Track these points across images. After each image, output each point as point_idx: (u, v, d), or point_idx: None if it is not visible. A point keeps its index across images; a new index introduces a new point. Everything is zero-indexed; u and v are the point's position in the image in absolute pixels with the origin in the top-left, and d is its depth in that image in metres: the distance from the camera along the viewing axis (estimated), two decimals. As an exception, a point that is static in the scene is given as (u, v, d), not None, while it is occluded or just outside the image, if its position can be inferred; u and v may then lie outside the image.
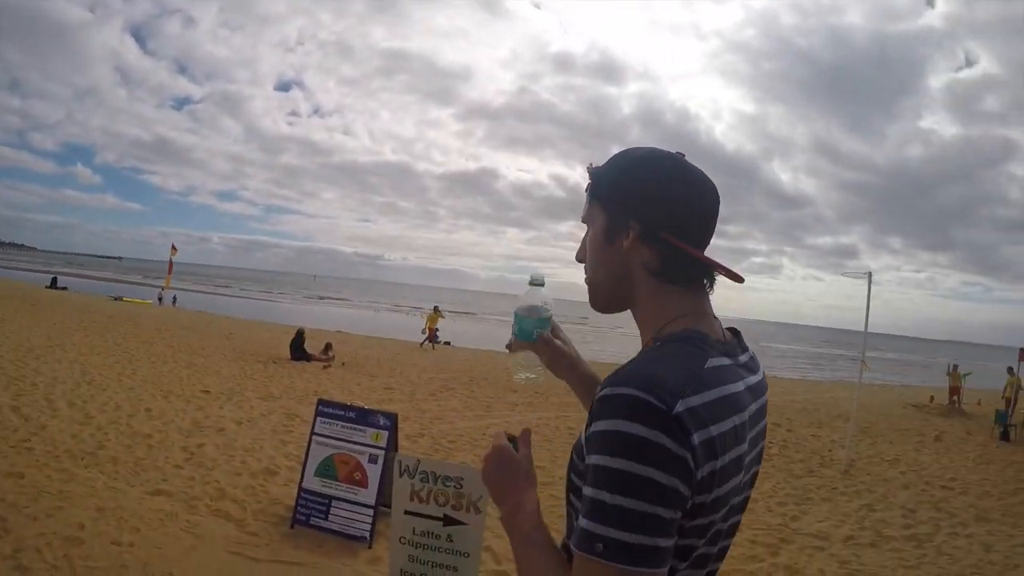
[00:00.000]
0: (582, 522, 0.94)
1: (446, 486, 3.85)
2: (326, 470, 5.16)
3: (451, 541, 3.85)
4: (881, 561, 6.14)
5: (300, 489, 5.18)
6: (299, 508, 5.14)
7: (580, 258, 1.24)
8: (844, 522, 7.14)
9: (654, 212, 1.11)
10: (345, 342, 18.34)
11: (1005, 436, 15.04)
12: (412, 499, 3.86)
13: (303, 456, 6.87)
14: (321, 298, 76.76)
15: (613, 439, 0.92)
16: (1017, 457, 12.78)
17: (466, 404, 12.47)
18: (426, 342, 24.96)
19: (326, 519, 5.07)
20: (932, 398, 20.89)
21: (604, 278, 1.19)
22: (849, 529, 6.93)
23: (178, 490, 5.52)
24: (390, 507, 5.24)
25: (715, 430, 0.96)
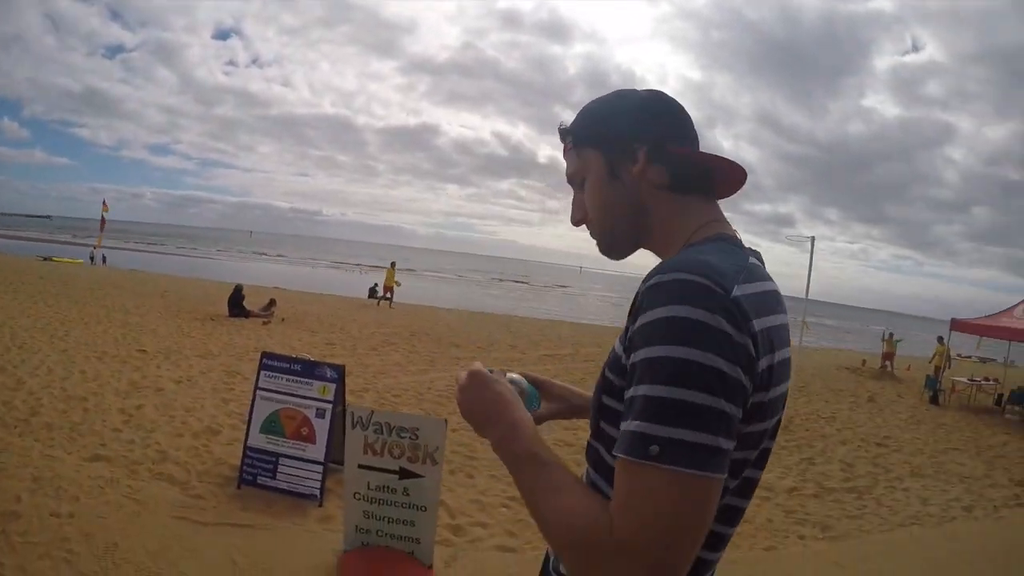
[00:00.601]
0: (629, 425, 0.85)
1: (401, 437, 3.73)
2: (272, 426, 4.94)
3: (407, 495, 3.76)
4: (825, 511, 6.43)
5: (245, 447, 4.98)
6: (245, 467, 4.95)
7: (579, 219, 1.19)
8: (787, 474, 7.45)
9: (654, 128, 1.10)
10: (284, 298, 18.05)
11: (934, 400, 16.40)
12: (366, 452, 3.74)
13: (246, 414, 6.76)
14: (258, 254, 75.80)
15: (669, 325, 0.85)
16: (946, 419, 13.85)
17: (408, 359, 12.52)
18: (383, 299, 24.45)
19: (274, 478, 4.89)
20: (864, 362, 22.12)
21: (620, 216, 1.13)
22: (792, 481, 7.24)
23: (117, 455, 5.28)
24: (341, 463, 5.16)
25: (768, 322, 0.92)
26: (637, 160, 1.09)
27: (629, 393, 0.88)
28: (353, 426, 3.72)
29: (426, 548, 3.80)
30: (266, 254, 78.07)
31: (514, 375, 1.32)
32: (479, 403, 1.11)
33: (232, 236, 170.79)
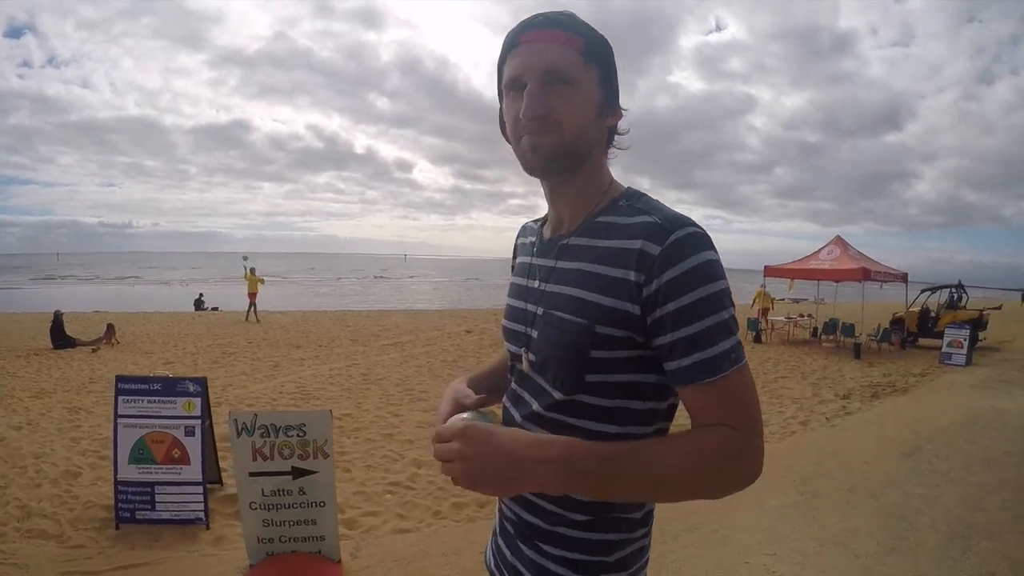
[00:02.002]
0: (707, 353, 1.02)
1: (288, 436, 3.67)
2: (140, 454, 4.61)
3: (304, 494, 3.71)
4: None
5: (116, 482, 4.60)
6: (120, 504, 4.58)
7: (544, 114, 1.13)
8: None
9: (618, 94, 1.23)
10: (107, 321, 16.78)
11: (757, 339, 18.65)
12: (255, 458, 3.65)
13: (102, 450, 6.33)
14: (69, 278, 69.74)
15: (708, 268, 1.04)
16: (770, 354, 15.63)
17: (253, 367, 12.19)
18: (251, 312, 21.69)
19: (153, 509, 4.58)
20: None
21: (583, 141, 1.16)
22: None
23: None
24: (216, 481, 4.96)
25: None
26: (616, 112, 1.21)
27: (686, 331, 1.03)
28: (239, 433, 3.60)
29: (331, 544, 3.76)
30: (77, 276, 72.36)
31: (464, 415, 1.17)
32: (496, 465, 1.02)
33: (37, 261, 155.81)
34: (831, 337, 18.61)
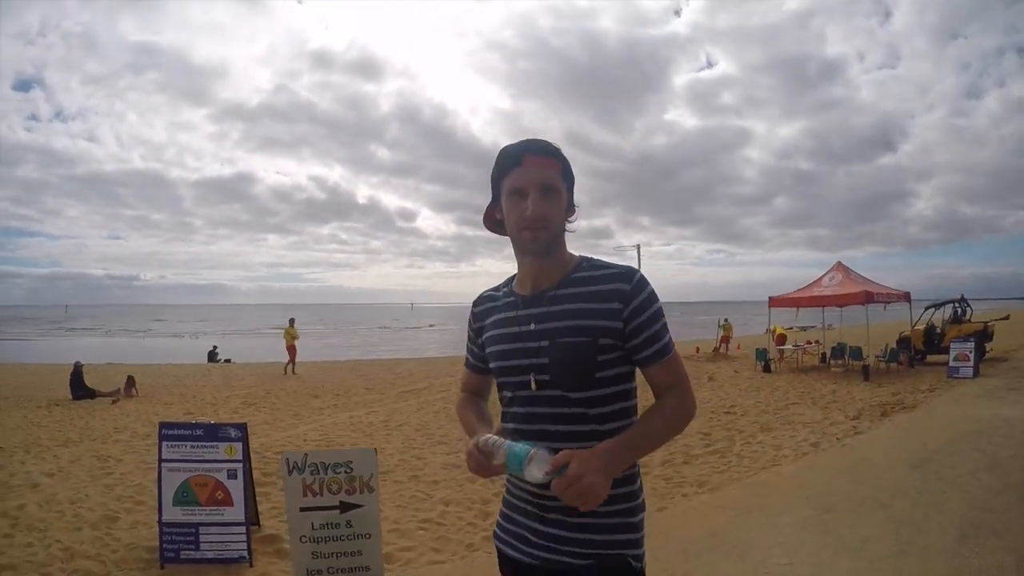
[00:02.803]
0: (663, 341, 1.69)
1: (337, 473, 3.95)
2: (185, 497, 4.86)
3: (351, 526, 3.98)
4: (697, 472, 7.38)
5: (161, 524, 4.84)
6: (165, 545, 4.81)
7: (542, 215, 1.66)
8: (655, 452, 8.32)
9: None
10: (123, 373, 17.04)
11: (767, 369, 18.55)
12: (305, 494, 3.93)
13: (138, 495, 6.57)
14: (78, 330, 70.19)
15: (653, 295, 1.69)
16: (780, 383, 15.77)
17: (274, 416, 12.44)
18: (289, 365, 21.24)
19: (197, 549, 4.80)
20: (698, 349, 24.46)
21: (558, 232, 1.72)
22: (661, 456, 8.02)
23: (21, 562, 4.95)
24: (256, 523, 5.19)
25: None
26: (573, 211, 1.77)
27: (649, 332, 1.67)
28: (290, 472, 3.87)
29: (376, 573, 4.00)
30: (84, 329, 72.85)
31: (491, 437, 1.64)
32: (603, 469, 1.51)
33: (46, 313, 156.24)
34: (840, 361, 18.79)
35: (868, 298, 17.93)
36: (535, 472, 1.49)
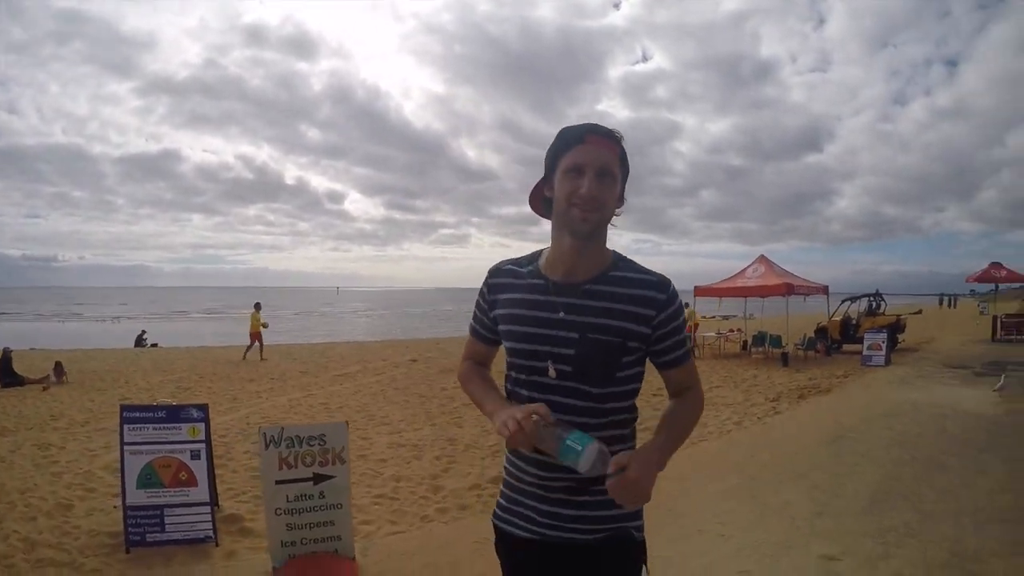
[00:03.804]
0: (685, 347, 1.80)
1: (311, 446, 4.22)
2: (148, 479, 4.91)
3: (323, 497, 4.26)
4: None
5: (125, 507, 4.86)
6: (130, 528, 4.82)
7: (596, 195, 1.65)
8: None
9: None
10: (49, 358, 16.60)
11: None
12: (281, 467, 4.19)
13: (88, 482, 6.61)
14: (-3, 314, 66.73)
15: (683, 306, 1.79)
16: (703, 368, 16.08)
17: (212, 400, 12.17)
18: (249, 349, 20.70)
19: (163, 531, 4.85)
20: None
21: (607, 220, 1.72)
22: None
23: None
24: (217, 504, 5.32)
25: None
26: (622, 203, 1.77)
27: (675, 339, 1.76)
28: (267, 446, 4.10)
29: (347, 543, 4.27)
30: (6, 312, 69.05)
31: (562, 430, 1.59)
32: (654, 472, 1.60)
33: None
34: (760, 349, 19.77)
35: (789, 290, 18.90)
36: (595, 467, 1.51)
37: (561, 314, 1.71)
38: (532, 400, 1.72)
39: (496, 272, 1.92)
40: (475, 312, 1.99)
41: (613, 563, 1.76)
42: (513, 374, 1.82)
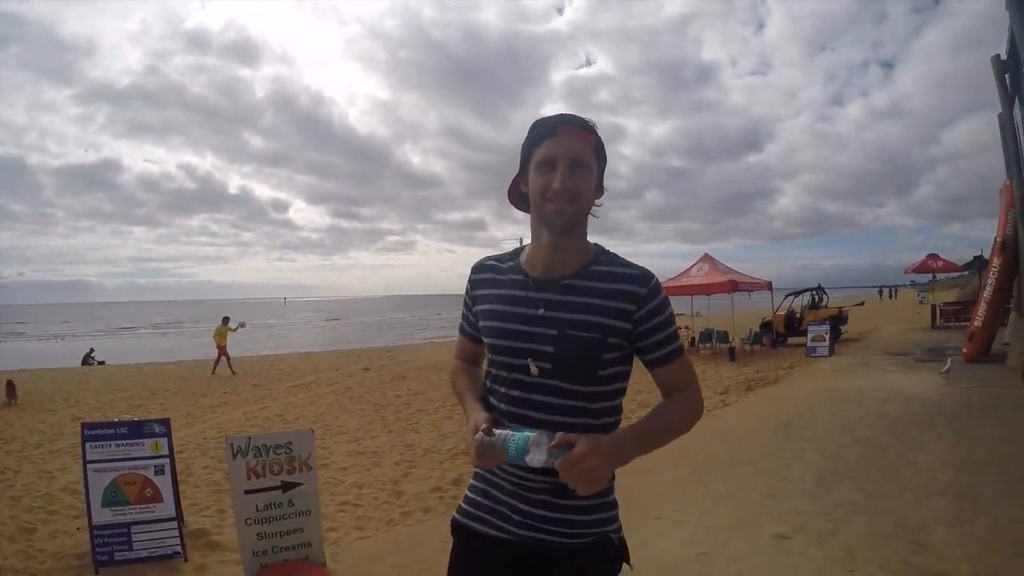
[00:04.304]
0: (673, 345, 1.70)
1: (278, 454, 4.33)
2: (113, 497, 4.86)
3: (292, 504, 4.37)
4: None
5: (92, 527, 4.81)
6: (97, 548, 4.77)
7: (570, 186, 1.61)
8: None
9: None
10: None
11: None
12: (249, 477, 4.28)
13: (49, 504, 6.55)
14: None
15: (668, 300, 1.70)
16: None
17: (166, 416, 12.18)
18: (220, 363, 20.27)
19: (131, 549, 4.81)
20: None
21: (584, 211, 1.67)
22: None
23: None
24: (182, 519, 5.31)
25: None
26: (601, 192, 1.73)
27: (660, 336, 1.67)
28: (235, 456, 4.17)
29: (317, 549, 4.37)
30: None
31: (532, 433, 1.52)
32: (609, 456, 1.52)
33: None
34: (708, 345, 20.32)
35: (733, 287, 19.46)
36: (538, 456, 1.46)
37: (541, 311, 1.67)
38: (511, 398, 1.71)
39: (478, 268, 1.89)
40: (463, 310, 1.95)
41: (592, 569, 1.70)
42: (493, 371, 1.79)
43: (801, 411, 9.01)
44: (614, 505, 1.77)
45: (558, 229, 1.64)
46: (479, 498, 1.81)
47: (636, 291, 1.64)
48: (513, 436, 1.52)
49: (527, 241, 1.83)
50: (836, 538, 4.45)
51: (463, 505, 1.85)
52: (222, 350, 20.31)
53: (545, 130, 1.64)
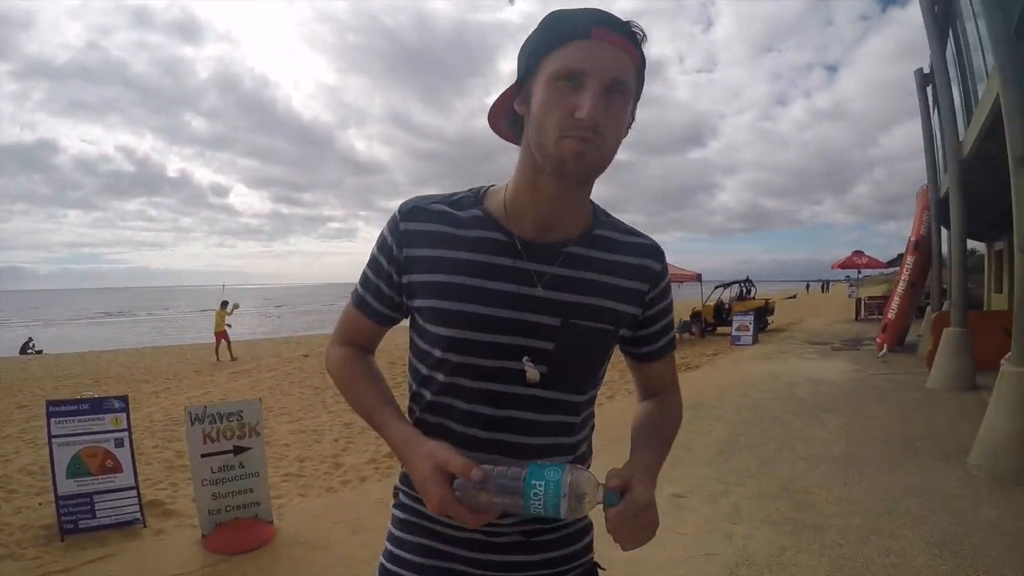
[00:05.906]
0: (673, 332, 1.40)
1: (230, 421, 4.90)
2: (77, 469, 5.25)
3: (243, 467, 4.95)
4: None
5: (57, 498, 5.19)
6: (63, 517, 5.14)
7: (597, 121, 1.05)
8: None
9: None
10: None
11: None
12: (205, 442, 4.86)
13: (9, 484, 6.89)
14: None
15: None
16: (618, 356, 18.36)
17: None
18: (219, 350, 20.18)
19: (94, 517, 5.20)
20: None
21: (610, 156, 1.12)
22: None
23: None
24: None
25: None
26: (631, 124, 1.17)
27: (665, 321, 1.34)
28: (192, 423, 4.70)
29: (266, 508, 4.92)
30: None
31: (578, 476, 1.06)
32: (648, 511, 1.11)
33: None
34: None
35: (665, 278, 20.44)
36: (586, 504, 1.06)
37: (539, 289, 1.17)
38: (484, 418, 1.19)
39: (413, 213, 1.24)
40: (366, 274, 1.31)
41: None
42: (441, 378, 1.21)
43: (715, 393, 9.81)
44: (591, 527, 1.38)
45: (572, 178, 1.10)
46: (416, 558, 1.28)
47: (652, 267, 1.28)
48: (533, 472, 1.04)
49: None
50: (727, 497, 5.14)
51: (388, 564, 1.31)
52: (222, 335, 20.39)
53: (573, 27, 1.07)
